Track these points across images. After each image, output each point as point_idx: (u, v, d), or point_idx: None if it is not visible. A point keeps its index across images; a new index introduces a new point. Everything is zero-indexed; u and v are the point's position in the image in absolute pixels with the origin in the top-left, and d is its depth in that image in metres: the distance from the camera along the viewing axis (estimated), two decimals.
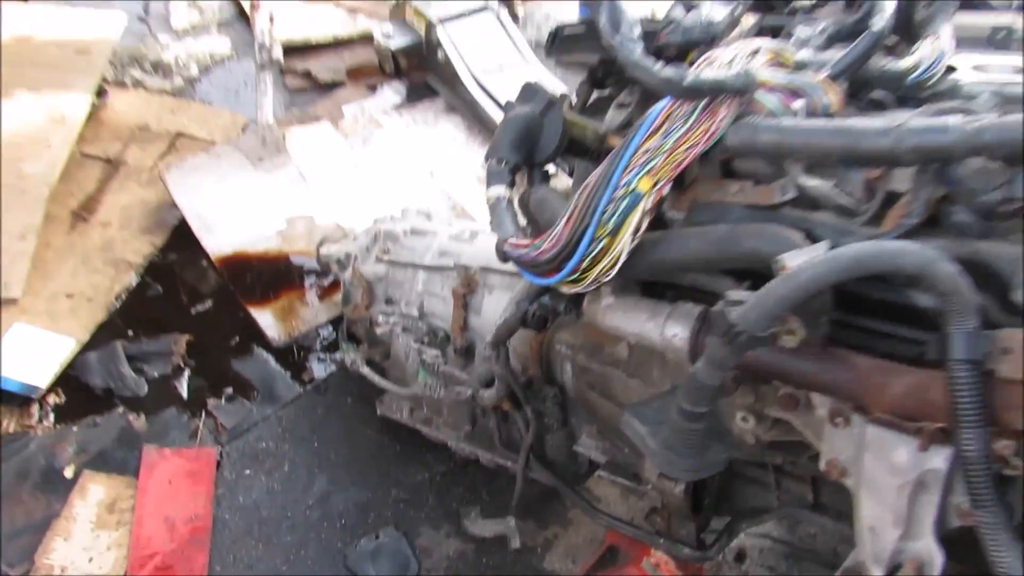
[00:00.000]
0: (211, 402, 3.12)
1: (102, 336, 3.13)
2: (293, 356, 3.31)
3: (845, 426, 1.47)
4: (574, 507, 2.43)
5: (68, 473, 2.81)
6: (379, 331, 2.98)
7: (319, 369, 3.30)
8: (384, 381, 2.86)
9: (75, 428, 2.93)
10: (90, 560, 2.62)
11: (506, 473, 2.78)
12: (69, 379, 3.03)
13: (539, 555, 2.89)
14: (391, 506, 2.94)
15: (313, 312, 3.39)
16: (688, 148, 1.37)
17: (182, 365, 3.19)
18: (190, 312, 3.39)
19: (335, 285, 3.45)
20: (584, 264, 1.43)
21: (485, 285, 2.65)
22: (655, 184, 1.36)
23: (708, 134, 1.37)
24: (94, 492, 2.76)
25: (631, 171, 1.37)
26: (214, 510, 2.82)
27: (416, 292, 2.85)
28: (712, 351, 1.28)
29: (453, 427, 2.85)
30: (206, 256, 3.38)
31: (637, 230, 1.39)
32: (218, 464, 2.94)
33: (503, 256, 1.59)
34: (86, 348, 3.08)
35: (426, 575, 2.79)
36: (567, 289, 1.53)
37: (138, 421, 3.00)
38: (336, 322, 3.33)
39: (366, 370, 2.91)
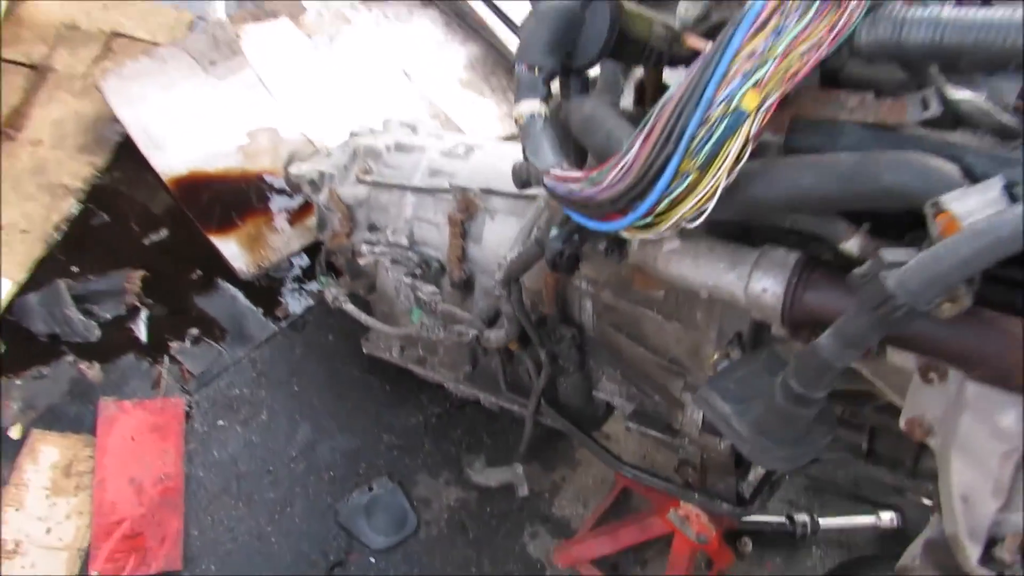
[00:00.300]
0: (174, 346, 2.77)
1: (43, 274, 2.74)
2: (264, 290, 2.95)
3: (940, 383, 1.20)
4: (602, 460, 2.17)
5: (14, 434, 2.48)
6: (363, 262, 2.63)
7: (294, 304, 2.95)
8: (372, 320, 2.54)
9: (18, 382, 2.57)
10: (48, 531, 2.32)
11: (509, 415, 2.52)
12: (7, 326, 2.64)
13: (547, 500, 2.67)
14: (383, 454, 2.67)
15: (284, 239, 3.01)
16: (807, 51, 1.03)
17: (138, 304, 2.82)
18: (142, 243, 2.98)
19: (307, 208, 3.07)
20: (662, 206, 1.10)
21: (486, 209, 2.31)
22: (763, 100, 1.03)
23: (835, 31, 1.03)
24: (46, 454, 2.44)
25: (731, 83, 1.02)
26: (186, 467, 2.52)
27: (404, 218, 2.49)
28: (847, 325, 0.98)
29: (450, 367, 2.56)
30: (157, 178, 2.96)
31: (737, 161, 1.06)
32: (187, 415, 2.62)
33: (549, 191, 1.25)
34: (25, 289, 2.69)
35: (426, 528, 2.55)
36: (632, 235, 1.20)
37: (91, 371, 2.64)
38: (311, 250, 2.97)
39: (350, 307, 2.58)
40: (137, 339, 2.75)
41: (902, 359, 1.25)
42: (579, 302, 2.13)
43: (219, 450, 2.57)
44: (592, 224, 1.22)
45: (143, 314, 2.80)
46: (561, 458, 2.74)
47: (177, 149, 3.06)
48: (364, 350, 2.70)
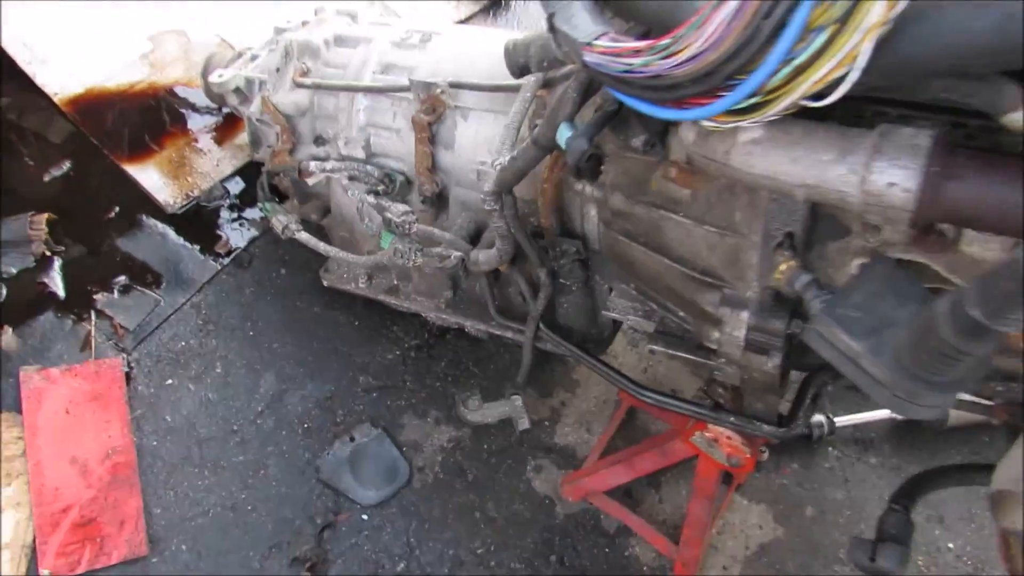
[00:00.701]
0: (99, 298, 2.37)
1: None
2: (198, 223, 2.54)
3: None
4: (619, 387, 1.90)
5: None
6: (312, 182, 2.25)
7: (236, 237, 2.55)
8: (332, 249, 2.18)
9: None
10: None
11: (496, 340, 2.24)
12: None
13: (548, 428, 2.42)
14: (361, 398, 2.37)
15: (212, 162, 2.58)
16: None
17: (48, 253, 2.39)
18: (42, 180, 2.52)
19: (235, 123, 2.64)
20: (778, 78, 0.77)
21: (456, 108, 1.95)
22: None
23: None
24: None
25: None
26: (135, 438, 2.18)
27: (357, 126, 2.11)
28: None
29: (428, 294, 2.24)
30: (49, 100, 2.47)
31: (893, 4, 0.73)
32: (127, 377, 2.26)
33: (592, 71, 0.91)
34: None
35: (420, 475, 2.28)
36: (718, 124, 0.88)
37: (5, 337, 2.24)
38: (247, 172, 2.56)
39: (304, 236, 2.21)
40: (53, 294, 2.34)
41: (982, 249, 0.99)
42: (581, 209, 1.82)
43: (172, 414, 2.23)
44: (661, 112, 0.89)
45: (56, 264, 2.38)
46: (558, 381, 2.48)
47: (67, 63, 2.56)
48: (324, 283, 2.35)
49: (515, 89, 1.85)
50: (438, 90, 1.91)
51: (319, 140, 2.24)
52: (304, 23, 2.32)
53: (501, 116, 1.91)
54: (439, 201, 2.08)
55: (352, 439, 2.27)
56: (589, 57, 0.91)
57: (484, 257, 1.86)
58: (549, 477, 2.34)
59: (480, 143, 1.94)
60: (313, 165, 2.15)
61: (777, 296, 1.54)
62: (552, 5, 0.95)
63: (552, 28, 0.97)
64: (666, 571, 2.27)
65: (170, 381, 2.27)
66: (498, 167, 1.65)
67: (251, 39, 2.62)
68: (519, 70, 1.40)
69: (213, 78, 2.33)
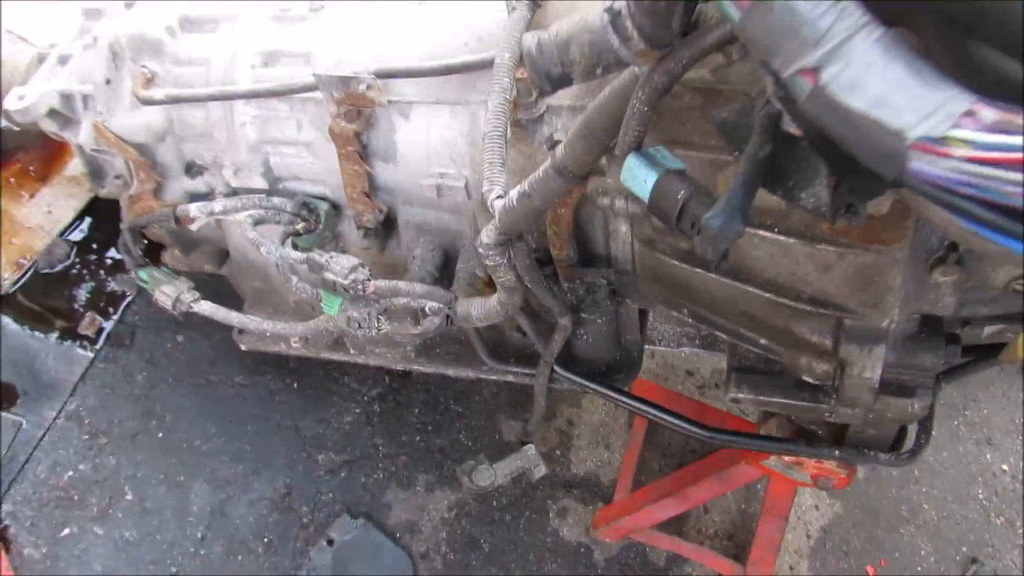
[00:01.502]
0: None
1: None
2: (45, 300, 1.87)
3: None
4: (680, 431, 1.47)
5: None
6: (196, 227, 1.62)
7: (103, 306, 1.90)
8: (252, 320, 1.59)
9: None
10: None
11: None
12: None
13: (561, 459, 1.98)
14: (326, 482, 1.85)
15: (42, 209, 1.88)
16: None
17: None
18: None
19: (60, 148, 1.93)
20: None
21: (391, 105, 1.36)
22: None
23: None
24: None
25: None
26: None
27: (246, 144, 1.50)
28: None
29: (390, 343, 1.70)
30: None
31: None
32: (3, 543, 1.65)
33: (920, 183, 0.40)
34: None
35: (426, 563, 1.81)
36: None
37: None
38: (96, 209, 1.88)
39: (206, 307, 1.61)
40: None
41: None
42: (605, 227, 1.32)
43: (81, 570, 1.65)
44: None
45: None
46: (560, 396, 2.02)
47: None
48: (242, 347, 1.77)
49: (476, 69, 1.28)
50: (360, 85, 1.32)
51: (192, 169, 1.61)
52: (126, 3, 1.62)
53: (460, 108, 1.35)
54: (386, 228, 1.53)
55: (330, 541, 1.77)
56: (925, 164, 0.40)
57: (479, 312, 1.34)
58: (577, 519, 1.92)
59: (435, 147, 1.38)
60: (194, 209, 1.53)
61: (926, 322, 1.12)
62: (813, 54, 0.42)
63: (805, 98, 0.44)
64: None
65: (67, 530, 1.68)
66: (498, 206, 1.11)
67: (57, 28, 1.88)
68: (555, 82, 0.85)
69: (12, 103, 1.62)
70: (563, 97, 1.25)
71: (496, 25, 1.32)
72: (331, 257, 1.36)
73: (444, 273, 1.52)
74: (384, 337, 1.58)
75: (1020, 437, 2.35)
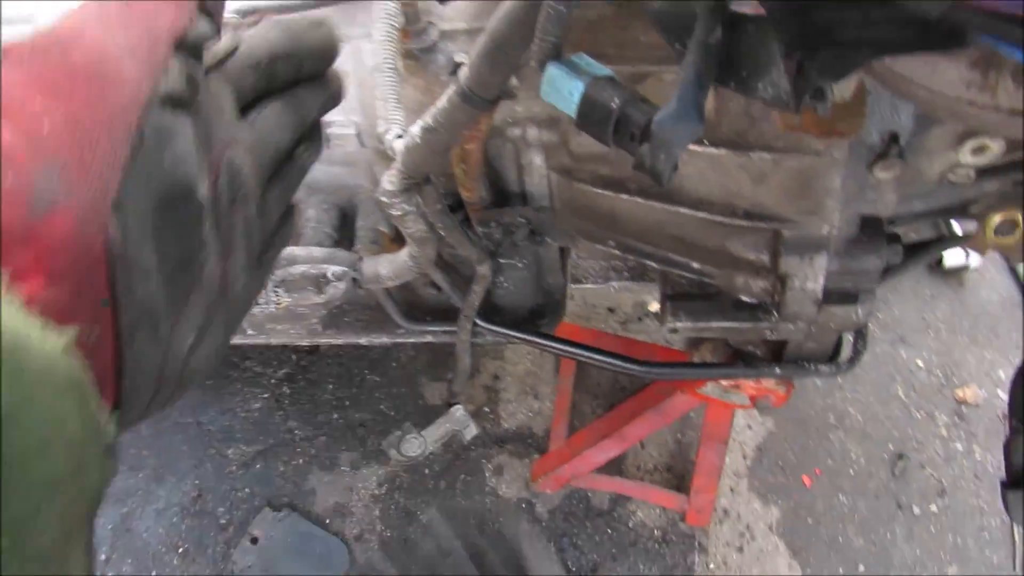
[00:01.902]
0: None
1: None
2: None
3: None
4: (619, 371, 1.40)
5: None
6: None
7: None
8: None
9: None
10: None
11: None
12: None
13: (490, 416, 1.89)
14: (241, 478, 1.69)
15: None
16: None
17: None
18: None
19: None
20: None
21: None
22: None
23: None
24: None
25: None
26: None
27: None
28: None
29: (291, 318, 1.54)
30: None
31: None
32: None
33: None
34: None
35: (361, 547, 1.69)
36: None
37: None
38: None
39: None
40: None
41: None
42: (517, 161, 1.19)
43: None
44: None
45: None
46: (480, 351, 1.91)
47: None
48: None
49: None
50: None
51: None
52: None
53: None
54: None
55: (254, 540, 1.62)
56: None
57: (389, 270, 1.21)
58: (515, 474, 1.84)
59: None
60: None
61: (865, 224, 1.06)
62: None
63: None
64: (677, 523, 1.90)
65: None
66: (399, 146, 0.97)
67: None
68: None
69: None
70: (457, 20, 1.11)
71: None
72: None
73: (343, 234, 1.37)
74: (286, 312, 1.43)
75: (931, 332, 2.42)
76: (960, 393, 2.34)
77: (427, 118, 0.93)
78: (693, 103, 0.58)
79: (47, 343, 0.28)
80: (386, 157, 1.24)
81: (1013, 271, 2.58)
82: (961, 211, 1.19)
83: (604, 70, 0.76)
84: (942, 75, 0.54)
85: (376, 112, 1.17)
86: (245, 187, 0.41)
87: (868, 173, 0.98)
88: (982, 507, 2.16)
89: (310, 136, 0.51)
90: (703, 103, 0.58)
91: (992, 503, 2.18)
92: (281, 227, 0.49)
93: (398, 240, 1.40)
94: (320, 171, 1.34)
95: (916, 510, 2.12)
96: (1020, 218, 0.78)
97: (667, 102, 0.59)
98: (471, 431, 1.71)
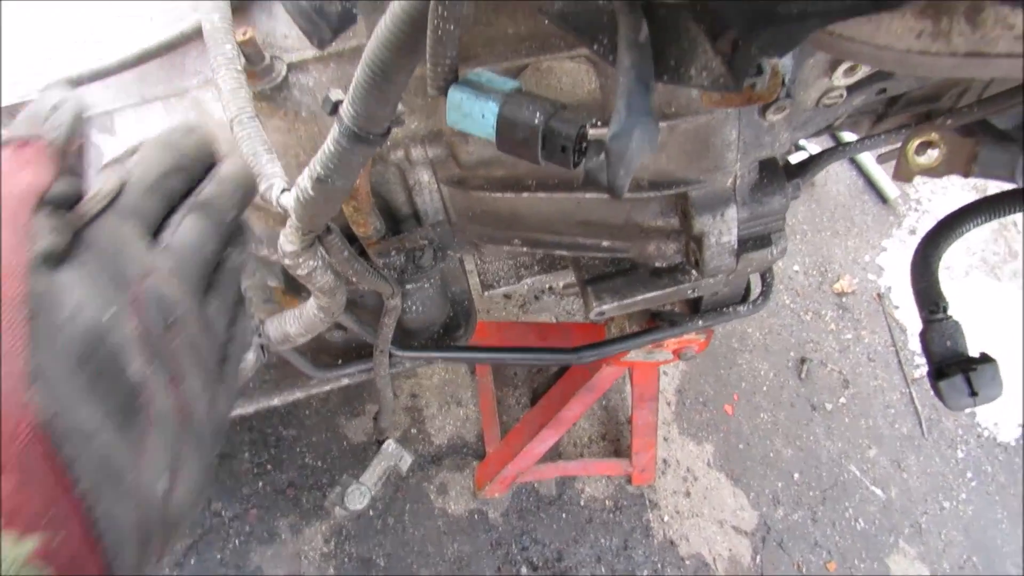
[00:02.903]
0: None
1: None
2: None
3: None
4: (553, 363, 1.37)
5: None
6: None
7: None
8: None
9: None
10: None
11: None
12: None
13: (419, 436, 1.82)
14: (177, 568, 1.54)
15: None
16: None
17: None
18: None
19: None
20: None
21: (90, 121, 1.04)
22: None
23: None
24: None
25: None
26: None
27: None
28: None
29: None
30: None
31: None
32: None
33: None
34: None
35: None
36: None
37: None
38: None
39: None
40: None
41: None
42: (403, 183, 1.12)
43: None
44: None
45: None
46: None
47: None
48: None
49: (179, 46, 1.01)
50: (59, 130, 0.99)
51: None
52: None
53: (175, 101, 1.06)
54: None
55: None
56: None
57: (297, 328, 1.12)
58: (460, 488, 1.78)
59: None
60: None
61: (764, 167, 1.07)
62: None
63: None
64: (624, 488, 1.91)
65: None
66: (288, 202, 0.88)
67: None
68: (335, 22, 0.63)
69: None
70: (304, 50, 1.01)
71: None
72: None
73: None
74: None
75: (798, 236, 2.54)
76: (837, 287, 2.49)
77: (316, 167, 0.84)
78: (643, 109, 0.54)
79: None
80: (258, 210, 1.15)
81: (852, 160, 2.76)
82: (829, 129, 1.23)
83: (509, 83, 0.71)
84: (888, 30, 0.53)
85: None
86: (176, 310, 0.40)
87: (761, 119, 0.98)
88: (882, 387, 2.32)
89: (234, 237, 0.48)
90: (652, 105, 0.54)
91: (888, 379, 2.34)
92: (233, 334, 0.47)
93: (290, 290, 1.31)
94: None
95: (828, 406, 2.24)
96: (936, 136, 0.80)
97: (614, 113, 0.55)
98: (406, 461, 1.63)
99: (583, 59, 0.95)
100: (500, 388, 1.87)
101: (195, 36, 1.00)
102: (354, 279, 1.02)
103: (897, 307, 2.50)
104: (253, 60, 0.97)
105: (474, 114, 0.69)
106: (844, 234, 2.58)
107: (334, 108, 0.84)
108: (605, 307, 1.20)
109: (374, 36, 0.76)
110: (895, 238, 2.62)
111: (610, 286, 1.21)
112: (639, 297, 1.20)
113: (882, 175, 2.69)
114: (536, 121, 0.67)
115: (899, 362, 2.37)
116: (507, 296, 2.00)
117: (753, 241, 1.13)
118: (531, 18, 0.94)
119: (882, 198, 2.68)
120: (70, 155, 0.41)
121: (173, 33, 1.00)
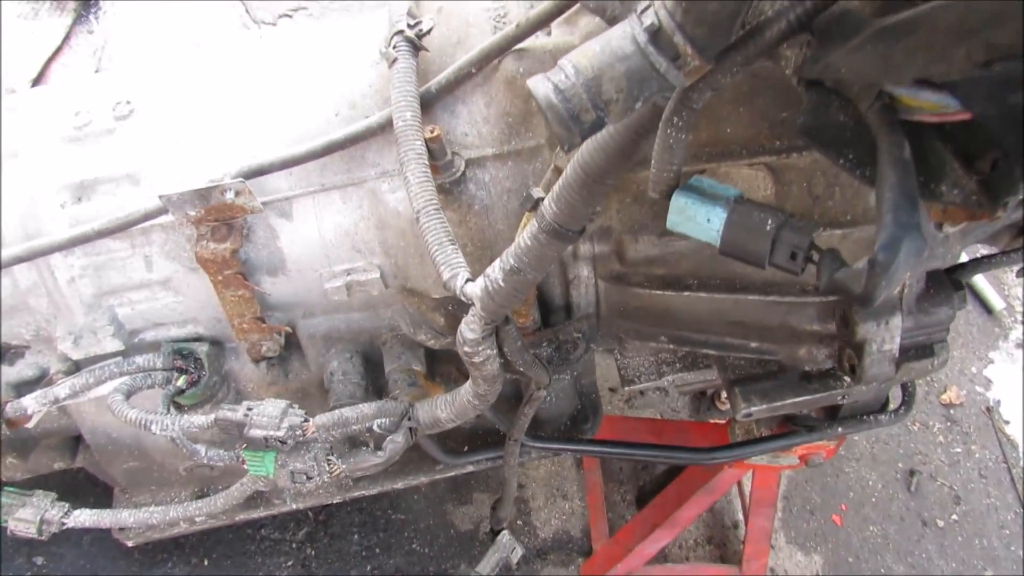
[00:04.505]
0: None
1: None
2: None
3: None
4: (690, 463, 1.35)
5: None
6: (33, 424, 1.25)
7: None
8: (160, 512, 1.25)
9: None
10: None
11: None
12: None
13: (526, 528, 1.79)
14: None
15: None
16: None
17: None
18: None
19: None
20: None
21: (266, 207, 1.10)
22: None
23: None
24: None
25: None
26: None
27: (81, 304, 1.17)
28: None
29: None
30: None
31: None
32: None
33: None
34: None
35: None
36: None
37: None
38: None
39: (86, 516, 1.24)
40: None
41: None
42: (563, 276, 1.15)
43: None
44: None
45: None
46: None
47: None
48: (128, 543, 1.41)
49: (363, 139, 1.07)
50: (226, 193, 1.05)
51: (9, 353, 1.23)
52: None
53: (353, 190, 1.12)
54: (286, 352, 1.26)
55: None
56: None
57: (449, 413, 1.12)
58: None
59: (332, 241, 1.15)
60: (31, 402, 1.18)
61: (930, 276, 1.07)
62: None
63: None
64: None
65: None
66: (475, 292, 0.91)
67: None
68: (585, 130, 0.66)
69: None
70: (483, 147, 1.07)
71: (366, 83, 1.11)
72: (249, 409, 1.08)
73: (368, 379, 1.29)
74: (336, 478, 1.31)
75: None
76: (944, 397, 2.41)
77: (509, 259, 0.87)
78: (911, 222, 0.55)
79: None
80: (411, 295, 1.18)
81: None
82: (989, 240, 1.22)
83: (731, 190, 0.73)
84: None
85: (406, 255, 1.11)
86: None
87: (937, 230, 0.98)
88: (995, 505, 2.21)
89: None
90: (923, 221, 0.55)
91: (1001, 497, 2.23)
92: None
93: (434, 376, 1.33)
94: (339, 321, 1.26)
95: (940, 523, 2.14)
96: None
97: (880, 226, 0.56)
98: (518, 553, 1.61)
99: (761, 166, 0.97)
100: (606, 483, 1.84)
101: (379, 130, 1.06)
102: (521, 368, 1.03)
103: (1008, 422, 2.41)
104: (437, 155, 1.02)
105: (698, 218, 0.72)
106: (950, 344, 2.51)
107: (535, 204, 0.88)
108: (753, 409, 1.19)
109: (591, 140, 0.80)
110: (1002, 350, 2.55)
111: (759, 388, 1.20)
112: (788, 401, 1.19)
113: (987, 286, 2.63)
114: (768, 228, 0.69)
115: (1011, 479, 2.27)
116: (612, 389, 1.99)
117: (915, 350, 1.12)
118: (712, 126, 0.97)
119: (987, 309, 2.62)
120: None
121: (360, 127, 1.06)
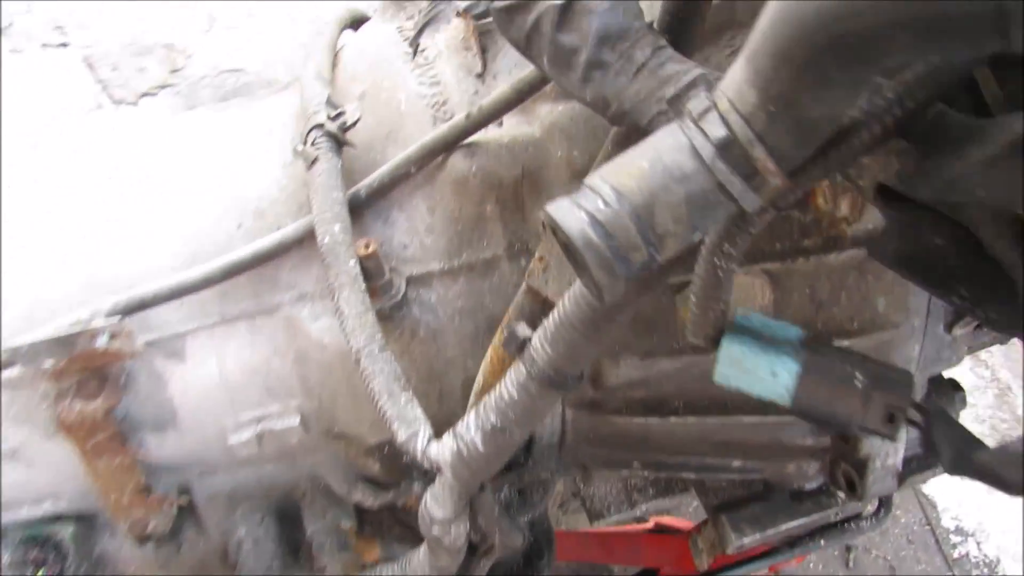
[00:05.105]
0: None
1: None
2: None
3: None
4: None
5: None
6: None
7: None
8: None
9: None
10: None
11: None
12: None
13: None
14: None
15: None
16: None
17: None
18: None
19: None
20: None
21: (151, 346, 0.87)
22: None
23: None
24: None
25: None
26: None
27: None
28: None
29: None
30: None
31: None
32: None
33: None
34: None
35: None
36: None
37: None
38: None
39: None
40: None
41: None
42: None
43: None
44: None
45: None
46: None
47: None
48: None
49: (276, 256, 0.86)
50: (97, 338, 0.81)
51: None
52: None
53: (263, 318, 0.90)
54: (177, 525, 1.00)
55: None
56: None
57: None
58: None
59: (238, 383, 0.93)
60: None
61: (932, 381, 0.97)
62: None
63: None
64: None
65: None
66: (443, 458, 0.71)
67: None
68: (635, 270, 0.48)
69: None
70: (428, 261, 0.88)
71: (276, 187, 0.91)
72: None
73: (284, 545, 1.05)
74: None
75: None
76: None
77: (489, 416, 0.68)
78: None
79: None
80: (336, 439, 0.96)
81: None
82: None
83: (791, 329, 0.58)
84: None
85: (333, 395, 0.90)
86: None
87: (946, 333, 0.88)
88: (926, 570, 2.17)
89: None
90: None
91: (931, 561, 2.20)
92: None
93: (366, 532, 1.10)
94: (246, 476, 1.02)
95: None
96: None
97: None
98: None
99: (760, 272, 0.84)
100: None
101: (295, 244, 0.86)
102: (497, 537, 0.83)
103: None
104: (373, 276, 0.83)
105: (759, 371, 0.56)
106: None
107: (519, 346, 0.70)
108: (746, 540, 1.04)
109: None
110: None
111: (748, 515, 1.05)
112: (782, 527, 1.05)
113: None
114: (857, 383, 0.54)
115: (936, 542, 2.25)
116: (575, 497, 1.81)
117: (916, 461, 1.01)
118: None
119: None
120: None
121: (271, 241, 0.86)
